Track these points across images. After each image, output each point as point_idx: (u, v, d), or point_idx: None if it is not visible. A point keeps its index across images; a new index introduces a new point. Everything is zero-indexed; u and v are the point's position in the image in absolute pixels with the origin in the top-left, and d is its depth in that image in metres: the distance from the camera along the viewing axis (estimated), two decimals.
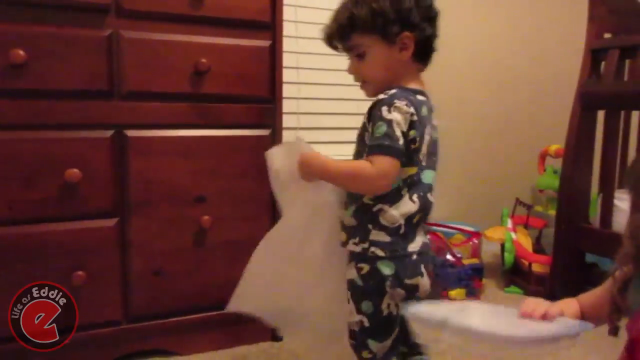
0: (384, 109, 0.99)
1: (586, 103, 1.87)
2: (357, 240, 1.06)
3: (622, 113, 1.94)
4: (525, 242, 2.27)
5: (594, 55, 1.87)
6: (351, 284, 1.08)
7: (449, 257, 2.10)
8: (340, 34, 1.06)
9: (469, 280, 2.06)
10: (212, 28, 1.45)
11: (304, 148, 1.07)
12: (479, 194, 2.57)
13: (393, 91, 1.02)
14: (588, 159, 1.94)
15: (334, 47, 1.10)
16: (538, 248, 2.33)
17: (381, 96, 1.03)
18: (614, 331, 0.84)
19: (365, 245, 1.04)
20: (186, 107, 1.44)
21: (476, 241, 2.21)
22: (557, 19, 2.65)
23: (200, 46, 1.43)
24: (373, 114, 1.02)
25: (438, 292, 2.04)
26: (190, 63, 1.42)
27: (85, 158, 1.35)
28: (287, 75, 1.89)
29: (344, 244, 1.08)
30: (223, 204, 1.51)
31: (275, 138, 1.56)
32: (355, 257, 1.07)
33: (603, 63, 1.86)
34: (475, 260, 2.16)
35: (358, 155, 1.08)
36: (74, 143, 1.34)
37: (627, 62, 1.84)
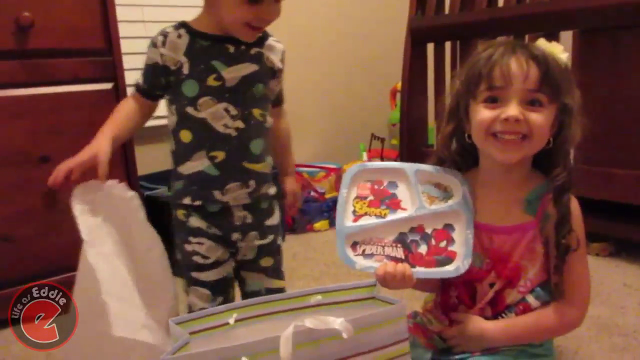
0: None
1: (415, 37, 2.05)
2: (271, 184, 1.11)
3: (450, 45, 2.15)
4: None
5: None
6: (278, 226, 1.13)
7: (312, 193, 2.24)
8: None
9: (330, 212, 2.22)
10: None
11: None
12: (338, 131, 2.73)
13: (275, 38, 1.11)
14: (423, 90, 2.15)
15: None
16: None
17: (279, 45, 1.10)
18: None
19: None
20: (14, 65, 1.38)
21: (336, 176, 2.38)
22: None
23: None
24: (284, 64, 1.10)
25: (304, 225, 2.19)
26: (10, 17, 1.35)
27: None
28: (130, 29, 1.85)
29: (256, 193, 1.07)
30: None
31: (119, 92, 1.55)
32: (273, 200, 1.12)
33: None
34: (336, 194, 2.33)
35: (251, 101, 1.04)
36: None
37: None
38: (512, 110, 0.84)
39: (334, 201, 2.25)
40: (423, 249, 0.91)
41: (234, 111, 1.00)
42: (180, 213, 1.05)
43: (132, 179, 1.60)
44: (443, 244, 0.91)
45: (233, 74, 1.01)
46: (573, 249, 0.89)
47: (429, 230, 0.92)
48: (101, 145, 0.96)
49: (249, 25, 0.98)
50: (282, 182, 1.21)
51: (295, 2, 2.61)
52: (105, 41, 1.51)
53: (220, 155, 1.01)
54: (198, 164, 1.02)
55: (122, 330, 0.83)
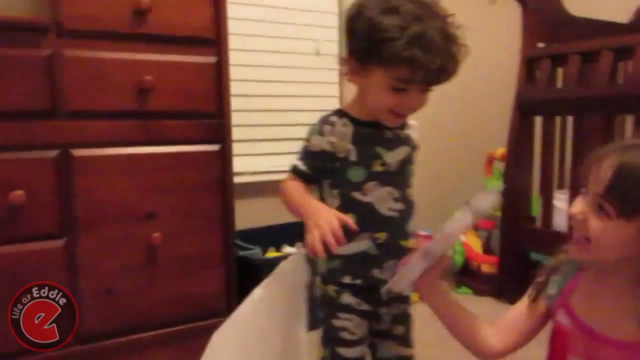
0: None
1: (523, 109, 1.96)
2: None
3: (559, 118, 2.04)
4: (475, 243, 2.35)
5: (529, 63, 1.97)
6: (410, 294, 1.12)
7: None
8: (454, 74, 1.02)
9: None
10: (155, 45, 1.46)
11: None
12: (430, 197, 2.64)
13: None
14: (528, 162, 2.04)
15: (439, 83, 1.01)
16: (488, 249, 2.42)
17: (415, 123, 1.12)
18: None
19: None
20: (132, 125, 1.45)
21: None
22: (498, 29, 2.77)
23: (144, 63, 1.44)
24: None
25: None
26: (134, 80, 1.43)
27: (30, 179, 1.33)
28: (236, 87, 1.92)
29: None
30: (173, 220, 1.52)
31: (225, 152, 1.58)
32: (406, 300, 1.11)
33: (537, 71, 1.96)
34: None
35: (407, 182, 1.08)
36: (17, 164, 1.32)
37: (560, 69, 1.94)
38: (573, 206, 0.82)
39: None
40: None
41: (396, 194, 1.04)
42: (331, 289, 1.06)
43: (229, 234, 1.61)
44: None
45: (393, 158, 1.04)
46: None
47: None
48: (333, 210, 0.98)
49: (392, 112, 1.01)
50: None
51: None
52: (217, 105, 1.56)
53: (382, 236, 1.03)
54: (361, 245, 1.03)
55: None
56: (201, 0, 1.51)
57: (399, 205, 1.04)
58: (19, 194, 1.30)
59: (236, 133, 1.73)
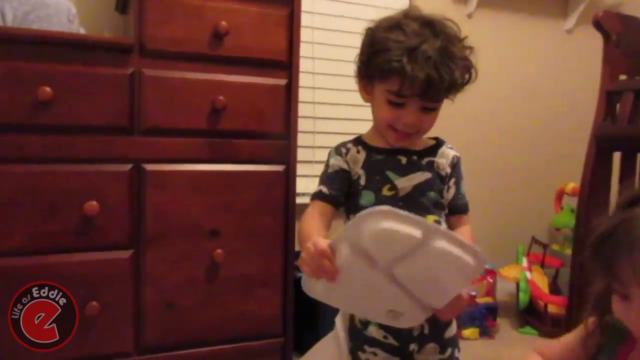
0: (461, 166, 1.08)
1: (601, 145, 1.86)
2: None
3: (639, 155, 1.91)
4: (541, 281, 2.23)
5: (609, 97, 1.87)
6: (456, 337, 1.08)
7: None
8: (448, 91, 0.98)
9: (482, 320, 2.03)
10: (230, 67, 1.50)
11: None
12: (495, 231, 2.55)
13: (450, 145, 1.09)
14: (604, 201, 1.92)
15: (431, 97, 0.96)
16: (554, 288, 2.29)
17: (452, 152, 1.08)
18: None
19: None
20: (203, 143, 1.48)
21: (491, 280, 2.19)
22: (573, 60, 2.67)
23: (218, 84, 1.48)
24: (457, 170, 1.07)
25: None
26: (208, 100, 1.46)
27: (104, 191, 1.39)
28: (302, 109, 1.94)
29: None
30: (236, 238, 1.53)
31: (289, 173, 1.59)
32: (452, 343, 1.07)
33: (618, 105, 1.86)
34: (489, 299, 2.14)
35: (424, 211, 1.02)
36: (93, 176, 1.38)
37: None
38: None
39: (487, 308, 2.07)
40: None
41: None
42: (357, 320, 1.05)
43: (289, 256, 1.61)
44: None
45: (406, 183, 1.02)
46: None
47: None
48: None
49: (392, 127, 1.01)
50: None
51: (467, 96, 2.59)
52: (284, 126, 1.57)
53: None
54: None
55: None
56: (277, 25, 1.54)
57: None
58: (93, 204, 1.36)
59: (299, 154, 1.75)
